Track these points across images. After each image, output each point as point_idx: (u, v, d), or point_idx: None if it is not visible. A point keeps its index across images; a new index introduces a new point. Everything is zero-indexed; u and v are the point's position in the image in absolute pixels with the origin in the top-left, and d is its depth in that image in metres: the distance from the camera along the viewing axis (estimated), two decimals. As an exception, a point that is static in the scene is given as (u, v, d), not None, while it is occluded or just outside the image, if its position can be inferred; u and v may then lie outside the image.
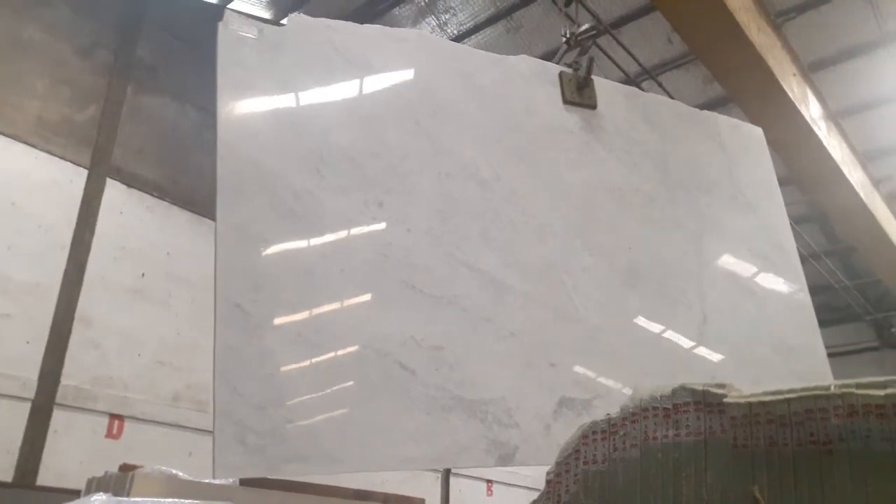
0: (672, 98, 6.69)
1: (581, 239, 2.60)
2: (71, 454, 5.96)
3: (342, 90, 2.36)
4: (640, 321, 2.58)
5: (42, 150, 6.32)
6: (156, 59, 7.42)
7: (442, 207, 2.34)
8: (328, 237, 2.12)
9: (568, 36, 3.04)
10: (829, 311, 10.45)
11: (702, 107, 7.60)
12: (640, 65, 6.48)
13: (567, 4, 3.19)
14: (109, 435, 6.35)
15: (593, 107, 2.89)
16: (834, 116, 7.08)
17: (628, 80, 6.73)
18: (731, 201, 3.11)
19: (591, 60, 2.88)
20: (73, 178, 6.47)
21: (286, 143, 2.16)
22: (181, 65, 7.51)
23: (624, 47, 6.37)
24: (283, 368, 1.87)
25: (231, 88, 2.15)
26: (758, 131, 3.47)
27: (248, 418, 1.75)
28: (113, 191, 6.74)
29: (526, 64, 2.85)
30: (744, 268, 2.98)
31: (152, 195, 7.16)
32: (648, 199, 2.86)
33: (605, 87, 2.99)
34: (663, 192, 2.93)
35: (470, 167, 2.46)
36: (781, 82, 5.65)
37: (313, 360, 1.92)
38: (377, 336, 2.03)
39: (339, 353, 1.98)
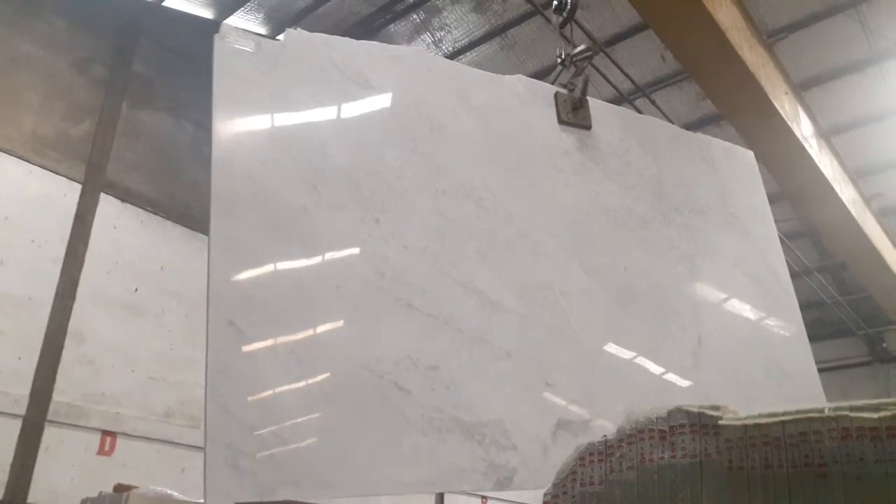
0: (666, 116, 6.76)
1: (577, 259, 2.60)
2: (62, 472, 5.91)
3: (339, 106, 2.34)
4: (636, 343, 2.57)
5: (36, 164, 6.33)
6: (151, 74, 7.45)
7: (438, 226, 2.33)
8: (324, 254, 2.10)
9: (563, 57, 3.06)
10: (822, 326, 10.50)
11: (695, 124, 7.71)
12: (633, 83, 6.54)
13: (563, 25, 3.20)
14: (101, 452, 6.30)
15: (588, 127, 2.90)
16: (825, 134, 7.15)
17: (622, 98, 6.80)
18: (723, 224, 3.14)
19: (586, 81, 2.90)
20: (67, 193, 6.47)
21: (282, 158, 2.13)
22: (177, 80, 7.53)
23: (618, 65, 6.43)
24: (277, 388, 1.83)
25: (227, 101, 2.13)
26: (749, 155, 3.50)
27: (239, 440, 1.70)
28: (107, 205, 6.74)
29: (521, 83, 2.86)
30: (737, 291, 3.00)
31: (146, 210, 7.16)
32: (643, 221, 2.87)
33: (599, 108, 3.00)
34: (657, 213, 2.94)
35: (466, 186, 2.46)
36: (773, 100, 5.71)
37: (307, 380, 1.88)
38: (372, 355, 2.00)
39: (334, 372, 1.94)
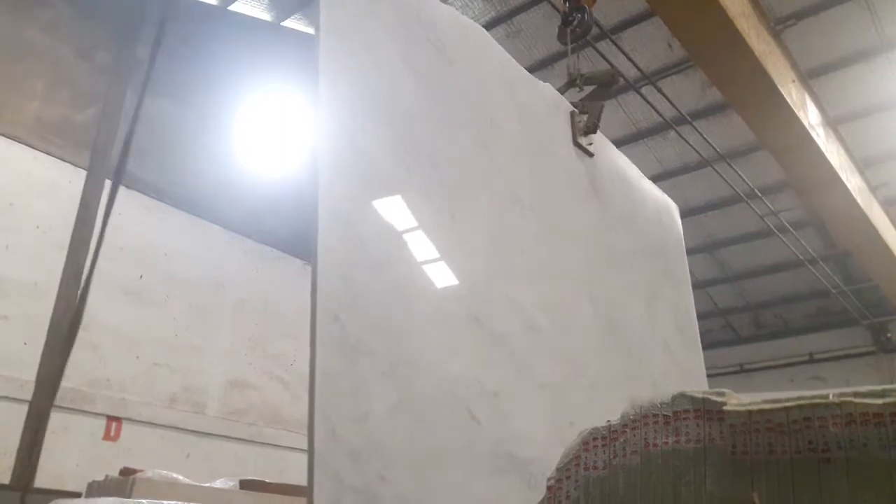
0: (672, 104, 6.72)
1: (586, 288, 2.53)
2: (68, 456, 5.95)
3: (421, 71, 2.12)
4: (624, 379, 2.54)
5: (41, 150, 6.33)
6: (154, 59, 7.42)
7: (495, 232, 2.18)
8: (414, 246, 1.89)
9: (577, 76, 2.96)
10: (826, 315, 10.48)
11: (700, 113, 7.65)
12: (640, 70, 6.50)
13: (575, 41, 3.09)
14: (107, 437, 6.35)
15: (591, 154, 2.87)
16: (832, 122, 7.11)
17: (628, 86, 6.76)
18: (664, 272, 3.22)
19: (601, 110, 2.82)
20: (72, 179, 6.47)
21: (378, 126, 1.90)
22: (181, 66, 7.51)
23: (624, 52, 6.39)
24: (377, 407, 1.64)
25: (334, 33, 1.86)
26: (675, 207, 3.61)
27: (344, 471, 1.52)
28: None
29: (550, 93, 2.79)
30: (672, 338, 3.06)
31: (151, 197, 7.17)
32: (622, 257, 2.88)
33: (594, 137, 2.95)
34: (629, 252, 2.96)
35: (514, 193, 2.33)
36: (780, 88, 5.67)
37: (402, 399, 1.69)
38: (451, 376, 1.83)
39: (423, 391, 1.76)
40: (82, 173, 6.54)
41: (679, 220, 3.58)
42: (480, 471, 1.79)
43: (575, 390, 2.24)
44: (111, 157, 6.57)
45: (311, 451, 1.47)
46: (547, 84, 2.81)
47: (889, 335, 10.03)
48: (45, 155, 6.35)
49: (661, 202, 3.46)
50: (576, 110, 2.84)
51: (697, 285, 10.49)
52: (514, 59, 2.69)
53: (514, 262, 2.21)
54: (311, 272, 1.62)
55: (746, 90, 5.68)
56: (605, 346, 2.54)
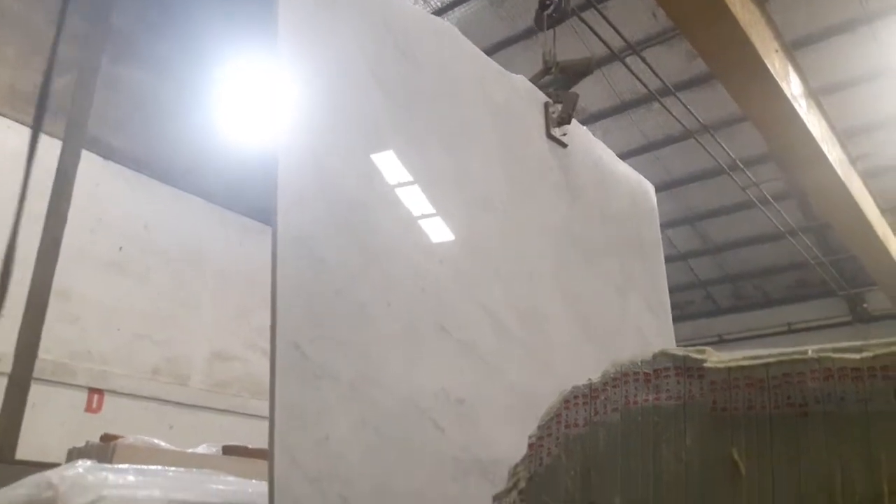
0: (657, 75, 6.69)
1: (558, 284, 2.51)
2: (50, 428, 5.93)
3: (389, 79, 2.08)
4: (597, 371, 2.53)
5: (14, 119, 6.20)
6: (131, 28, 7.26)
7: (466, 237, 2.17)
8: (379, 263, 1.87)
9: (552, 62, 2.88)
10: (804, 287, 10.62)
11: (685, 84, 7.62)
12: (624, 40, 6.45)
13: (552, 27, 3.00)
14: (89, 409, 6.32)
15: (565, 146, 2.82)
16: (814, 93, 7.12)
17: (612, 56, 6.72)
18: (640, 257, 3.20)
19: (575, 100, 2.76)
20: (48, 149, 6.35)
21: (342, 139, 1.88)
22: (157, 35, 7.36)
23: (609, 22, 6.33)
24: (338, 429, 1.65)
25: (290, 53, 1.84)
26: (651, 188, 3.57)
27: (304, 499, 1.53)
28: (89, 163, 6.62)
29: (523, 86, 2.73)
30: (646, 323, 3.06)
31: (130, 168, 7.06)
32: (596, 250, 2.86)
33: (571, 127, 2.90)
34: (604, 245, 2.93)
35: (486, 196, 2.31)
36: (764, 58, 5.66)
37: (364, 418, 1.71)
38: (416, 388, 1.84)
39: (387, 408, 1.77)
40: (58, 143, 6.41)
41: (654, 201, 3.56)
42: (443, 477, 1.81)
43: (546, 387, 2.29)
44: (87, 127, 6.44)
45: (270, 481, 1.49)
46: (520, 76, 2.75)
47: (865, 305, 10.20)
48: (19, 125, 6.22)
49: (637, 185, 3.43)
50: (550, 101, 2.79)
51: (679, 257, 10.59)
52: (484, 55, 2.63)
53: (484, 267, 2.20)
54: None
55: (730, 60, 5.66)
56: (578, 341, 2.53)
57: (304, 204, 1.72)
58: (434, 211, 2.10)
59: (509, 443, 1.89)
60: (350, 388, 1.69)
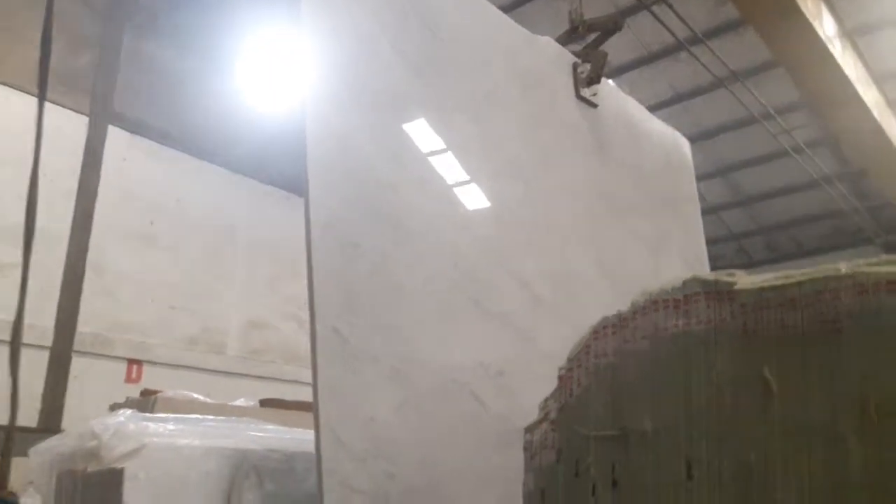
0: (685, 23, 6.51)
1: (591, 248, 2.50)
2: (92, 399, 6.10)
3: (412, 54, 2.07)
4: None
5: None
6: (153, 3, 7.27)
7: (496, 208, 2.17)
8: (411, 241, 1.88)
9: (579, 22, 2.82)
10: (840, 235, 10.39)
11: (713, 31, 7.40)
12: (648, -13, 6.28)
13: None
14: (129, 379, 6.50)
15: (595, 105, 2.77)
16: (849, 34, 6.87)
17: (637, 6, 6.55)
18: (673, 214, 3.13)
19: (605, 59, 2.70)
20: (77, 126, 6.43)
21: (369, 119, 1.88)
22: (180, 9, 7.36)
23: (631, -31, 6.17)
24: (381, 410, 1.68)
25: (317, 29, 1.83)
26: (686, 143, 3.48)
27: (352, 476, 1.57)
28: (116, 138, 6.70)
29: (551, 48, 2.68)
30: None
31: (157, 141, 7.13)
32: (630, 210, 2.81)
33: (601, 86, 2.84)
34: (637, 205, 2.88)
35: (514, 164, 2.30)
36: (795, -2, 5.48)
37: (406, 397, 1.74)
38: (454, 364, 1.86)
39: (428, 387, 1.80)
40: (85, 119, 6.49)
41: (689, 156, 3.48)
42: (486, 449, 1.84)
43: None
44: (112, 102, 6.51)
45: (318, 461, 1.53)
46: (546, 38, 2.69)
47: (905, 253, 9.97)
48: (47, 102, 6.30)
49: (671, 141, 3.35)
50: (578, 61, 2.74)
51: (710, 210, 10.40)
52: (509, 20, 2.59)
53: (516, 237, 2.21)
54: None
55: (761, 2, 5.48)
56: (612, 305, 2.52)
57: (334, 188, 1.75)
58: (464, 184, 2.11)
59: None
60: (390, 368, 1.73)
